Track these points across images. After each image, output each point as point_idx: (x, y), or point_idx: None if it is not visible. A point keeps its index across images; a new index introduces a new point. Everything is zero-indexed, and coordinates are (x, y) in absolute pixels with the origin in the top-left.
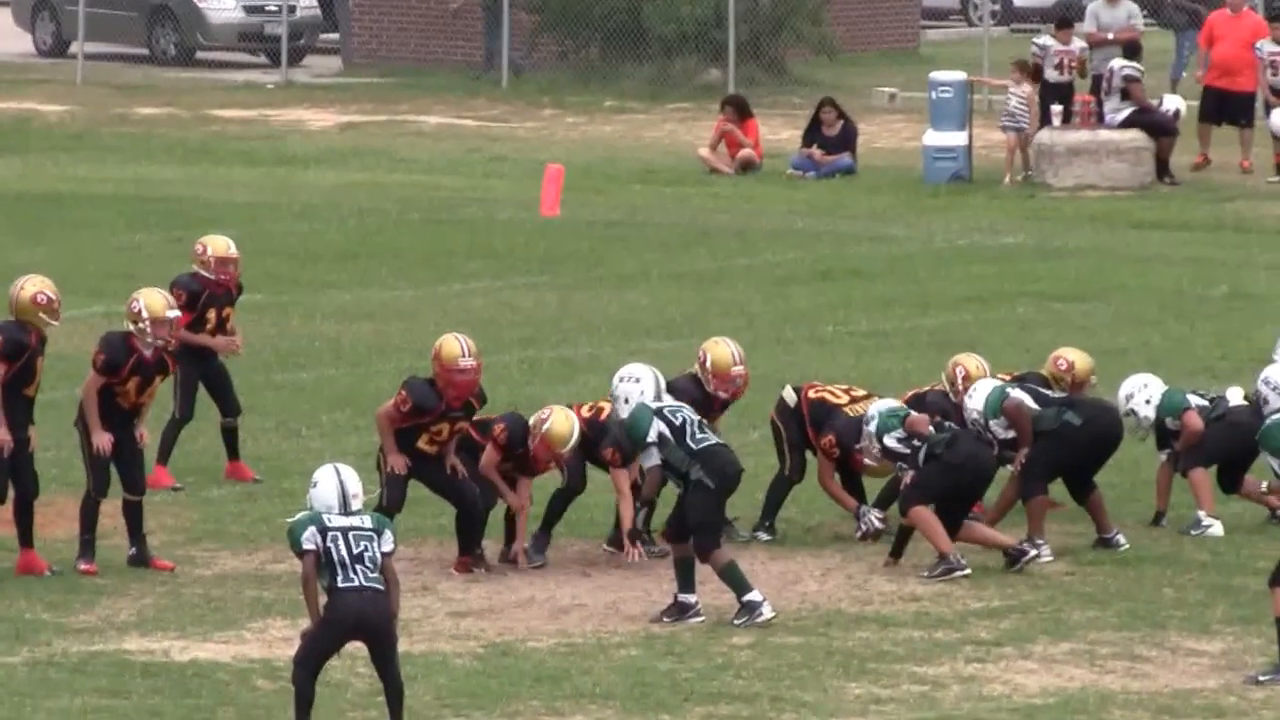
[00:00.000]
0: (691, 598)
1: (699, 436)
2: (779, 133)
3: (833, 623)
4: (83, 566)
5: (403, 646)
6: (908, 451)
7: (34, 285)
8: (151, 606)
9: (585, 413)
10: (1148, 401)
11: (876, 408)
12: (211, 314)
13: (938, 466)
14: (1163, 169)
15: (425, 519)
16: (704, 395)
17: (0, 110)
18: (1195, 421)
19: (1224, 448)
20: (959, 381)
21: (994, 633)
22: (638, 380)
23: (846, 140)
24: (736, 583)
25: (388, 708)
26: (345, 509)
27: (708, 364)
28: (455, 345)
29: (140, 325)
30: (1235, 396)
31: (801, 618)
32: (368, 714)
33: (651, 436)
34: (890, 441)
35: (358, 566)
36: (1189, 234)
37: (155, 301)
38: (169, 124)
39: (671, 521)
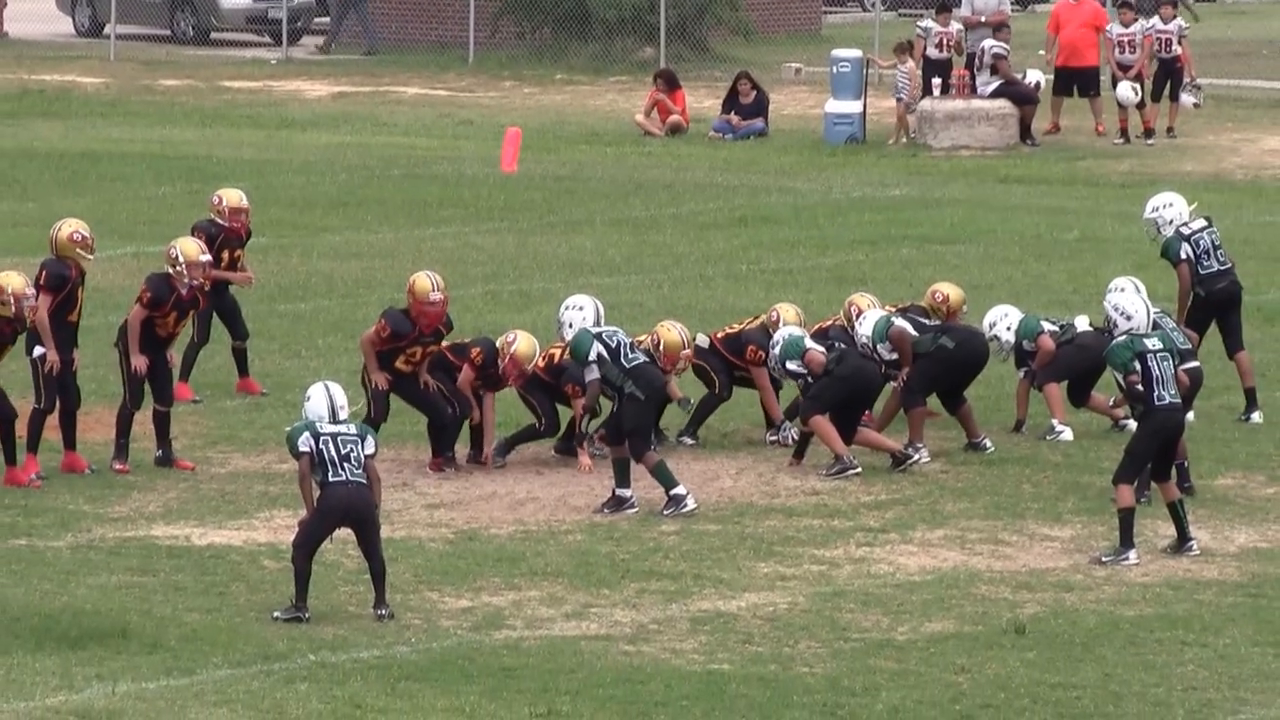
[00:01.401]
0: (627, 492)
1: (630, 356)
2: (703, 101)
3: (745, 513)
4: (117, 466)
5: (385, 533)
6: (804, 373)
7: (70, 225)
8: (175, 500)
9: (541, 362)
10: (1009, 328)
11: (783, 334)
12: (225, 254)
13: (830, 381)
14: (1025, 132)
15: (405, 426)
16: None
17: (46, 82)
18: (1048, 343)
19: (1073, 366)
20: (854, 316)
21: (880, 521)
22: (580, 308)
23: (759, 108)
24: (665, 479)
25: (373, 583)
26: (334, 418)
27: (660, 346)
28: (426, 281)
29: (178, 269)
30: (1083, 323)
31: (719, 509)
32: (356, 589)
33: (592, 356)
34: (792, 366)
35: (345, 465)
36: (1047, 187)
37: (190, 248)
38: (188, 93)
39: (609, 427)
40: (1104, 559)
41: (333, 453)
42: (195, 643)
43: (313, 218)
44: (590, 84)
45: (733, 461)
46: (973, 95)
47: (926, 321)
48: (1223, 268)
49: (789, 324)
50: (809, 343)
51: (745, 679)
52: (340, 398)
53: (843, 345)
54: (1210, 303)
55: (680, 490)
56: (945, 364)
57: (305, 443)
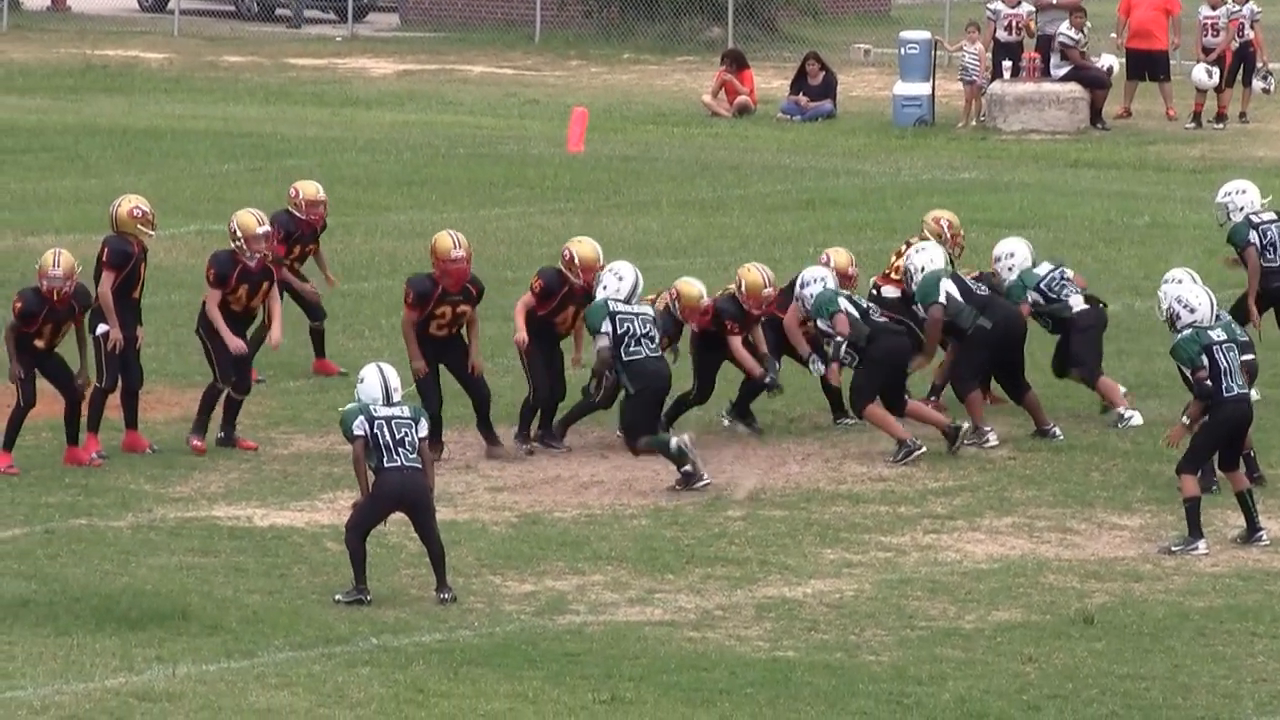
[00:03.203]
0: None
1: (633, 349)
2: (770, 82)
3: (812, 499)
4: (195, 442)
5: (448, 516)
6: (830, 333)
7: (130, 201)
8: (237, 480)
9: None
10: (1010, 269)
11: (818, 287)
12: (297, 248)
13: (868, 369)
14: (1096, 117)
15: (468, 408)
16: (741, 312)
17: (110, 57)
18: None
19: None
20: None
21: (948, 508)
22: (620, 277)
23: (828, 89)
24: (665, 454)
25: (432, 568)
26: (388, 400)
27: (743, 287)
28: (447, 239)
29: (238, 243)
30: (1078, 304)
31: (785, 494)
32: (418, 572)
33: (603, 329)
34: (821, 324)
35: (399, 449)
36: (1117, 172)
37: (247, 220)
38: (252, 70)
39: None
40: (1173, 549)
41: (387, 437)
42: (256, 625)
43: (377, 197)
44: (657, 64)
45: (799, 447)
46: (1044, 78)
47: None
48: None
49: (839, 268)
50: (843, 303)
51: (811, 667)
52: (394, 379)
53: (874, 315)
54: (1264, 296)
55: (689, 469)
56: (986, 344)
57: (360, 426)
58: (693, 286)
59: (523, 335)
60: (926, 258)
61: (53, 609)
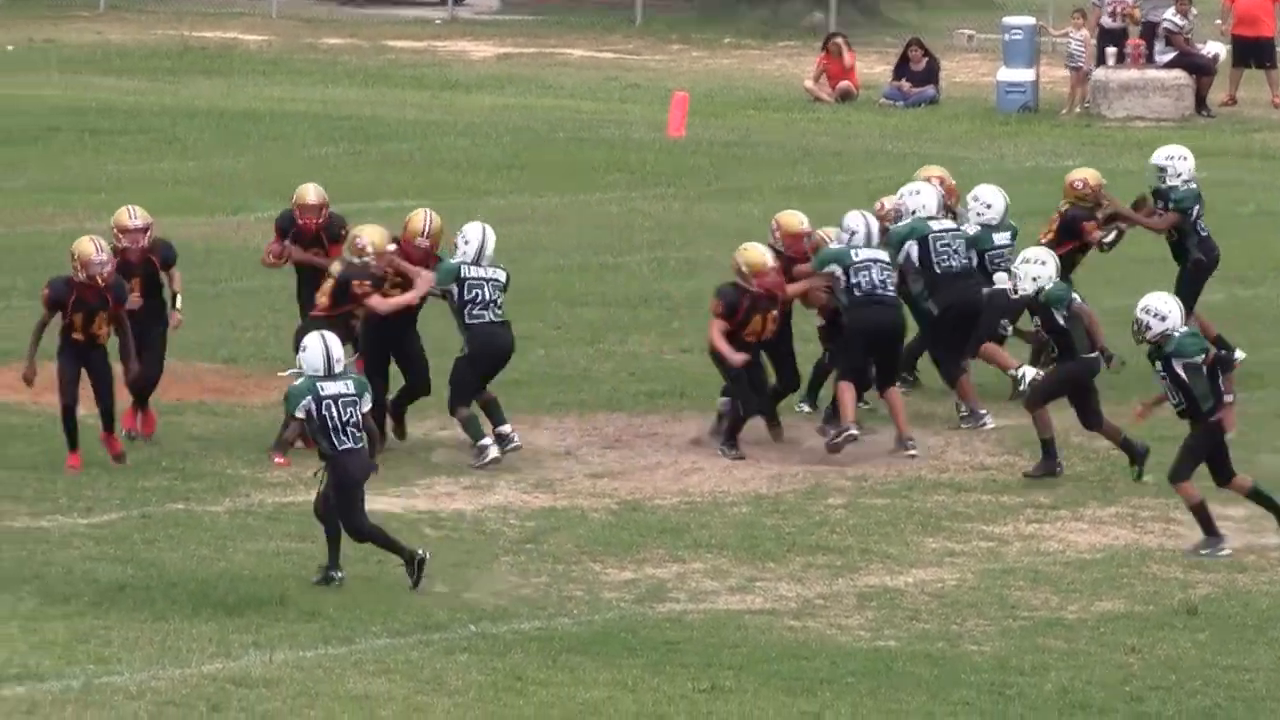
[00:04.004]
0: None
1: (476, 313)
2: (873, 68)
3: (913, 488)
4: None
5: (547, 502)
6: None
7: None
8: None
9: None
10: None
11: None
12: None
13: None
14: (1201, 104)
15: (568, 395)
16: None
17: (208, 39)
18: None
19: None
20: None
21: (1051, 497)
22: (466, 240)
23: (930, 75)
24: (474, 433)
25: (328, 542)
26: (330, 370)
27: (778, 232)
28: (419, 219)
29: (365, 258)
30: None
31: (887, 483)
32: (518, 559)
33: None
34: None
35: (349, 429)
36: (1222, 160)
37: (377, 237)
38: (351, 52)
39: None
40: (1201, 552)
41: (336, 419)
42: (354, 611)
43: (476, 180)
44: (759, 48)
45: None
46: (1148, 65)
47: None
48: None
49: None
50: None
51: (912, 656)
52: (337, 349)
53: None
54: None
55: (485, 441)
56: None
57: (304, 409)
58: (794, 215)
59: (737, 357)
60: (920, 202)
61: (149, 594)
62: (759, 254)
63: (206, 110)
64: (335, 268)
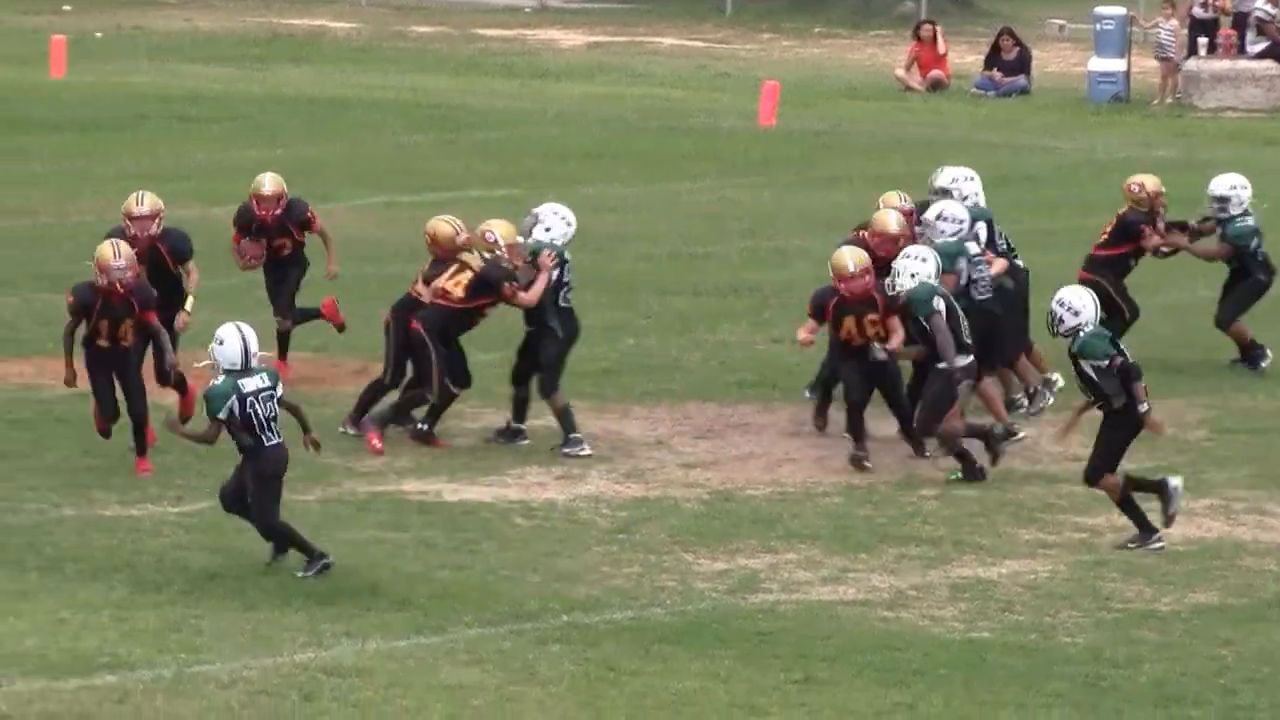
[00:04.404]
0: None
1: (567, 297)
2: (964, 57)
3: (1006, 479)
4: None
5: (639, 492)
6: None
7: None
8: (426, 454)
9: None
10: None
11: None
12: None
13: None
14: None
15: (658, 384)
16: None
17: (296, 26)
18: None
19: None
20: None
21: None
22: (568, 222)
23: (1022, 64)
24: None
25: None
26: (247, 364)
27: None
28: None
29: (497, 252)
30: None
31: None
32: (609, 549)
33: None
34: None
35: (272, 424)
36: None
37: (505, 229)
38: (441, 40)
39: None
40: (1130, 545)
41: (261, 416)
42: (446, 600)
43: (566, 169)
44: (849, 37)
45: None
46: (1239, 55)
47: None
48: None
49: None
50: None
51: (1005, 648)
52: (254, 341)
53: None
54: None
55: (579, 435)
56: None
57: (226, 411)
58: (888, 215)
59: (801, 334)
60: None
61: (241, 583)
62: (841, 258)
63: (294, 98)
64: (475, 261)
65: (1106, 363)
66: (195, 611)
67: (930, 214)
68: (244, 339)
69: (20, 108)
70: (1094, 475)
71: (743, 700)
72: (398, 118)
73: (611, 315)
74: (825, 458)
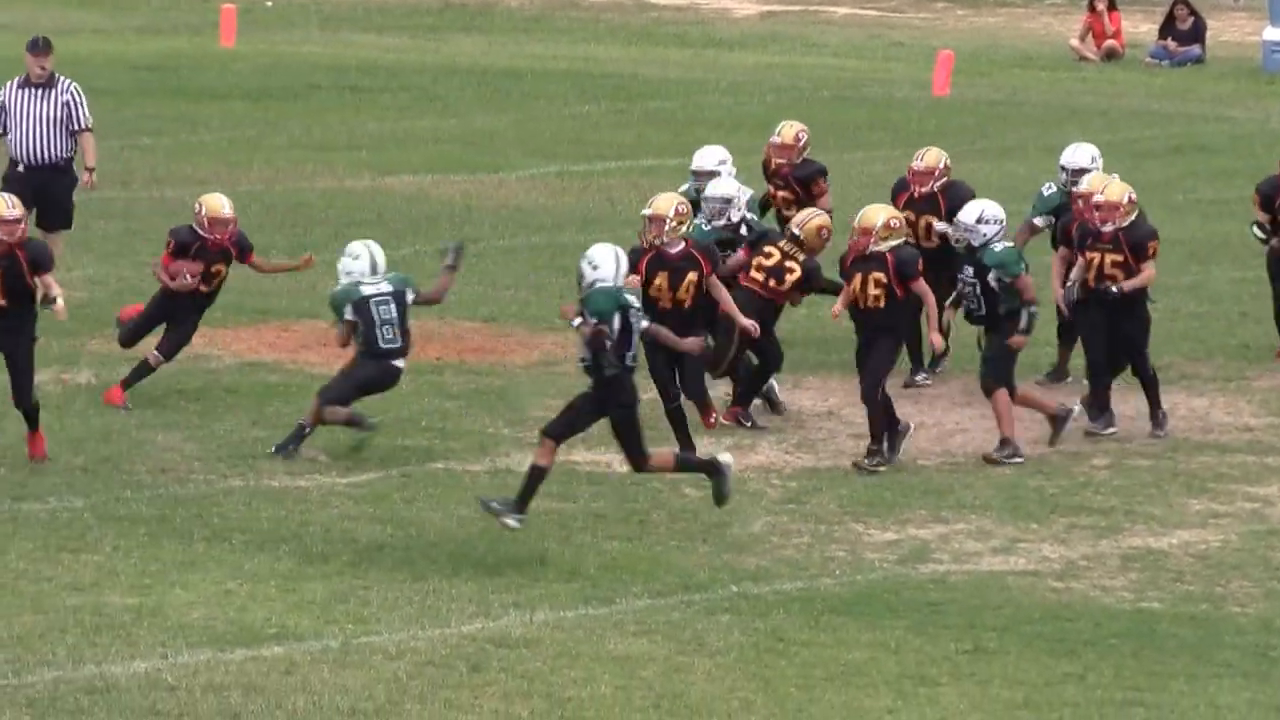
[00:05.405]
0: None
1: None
2: (1139, 26)
3: (1178, 449)
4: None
5: (809, 463)
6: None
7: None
8: (597, 426)
9: None
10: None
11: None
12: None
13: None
14: None
15: (830, 354)
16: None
17: None
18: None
19: None
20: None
21: None
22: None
23: (1196, 34)
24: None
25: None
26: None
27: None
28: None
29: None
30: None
31: (1151, 444)
32: (779, 519)
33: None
34: (991, 279)
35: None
36: None
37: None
38: (613, 10)
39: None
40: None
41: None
42: (614, 571)
43: (739, 139)
44: (1024, 6)
45: (1166, 397)
46: None
47: None
48: None
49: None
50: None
51: (1175, 618)
52: (380, 256)
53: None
54: None
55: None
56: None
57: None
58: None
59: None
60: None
61: (409, 554)
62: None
63: (467, 68)
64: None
65: (1014, 279)
66: (363, 582)
67: (969, 216)
68: (371, 253)
69: (190, 77)
70: (994, 385)
71: (912, 671)
72: (570, 87)
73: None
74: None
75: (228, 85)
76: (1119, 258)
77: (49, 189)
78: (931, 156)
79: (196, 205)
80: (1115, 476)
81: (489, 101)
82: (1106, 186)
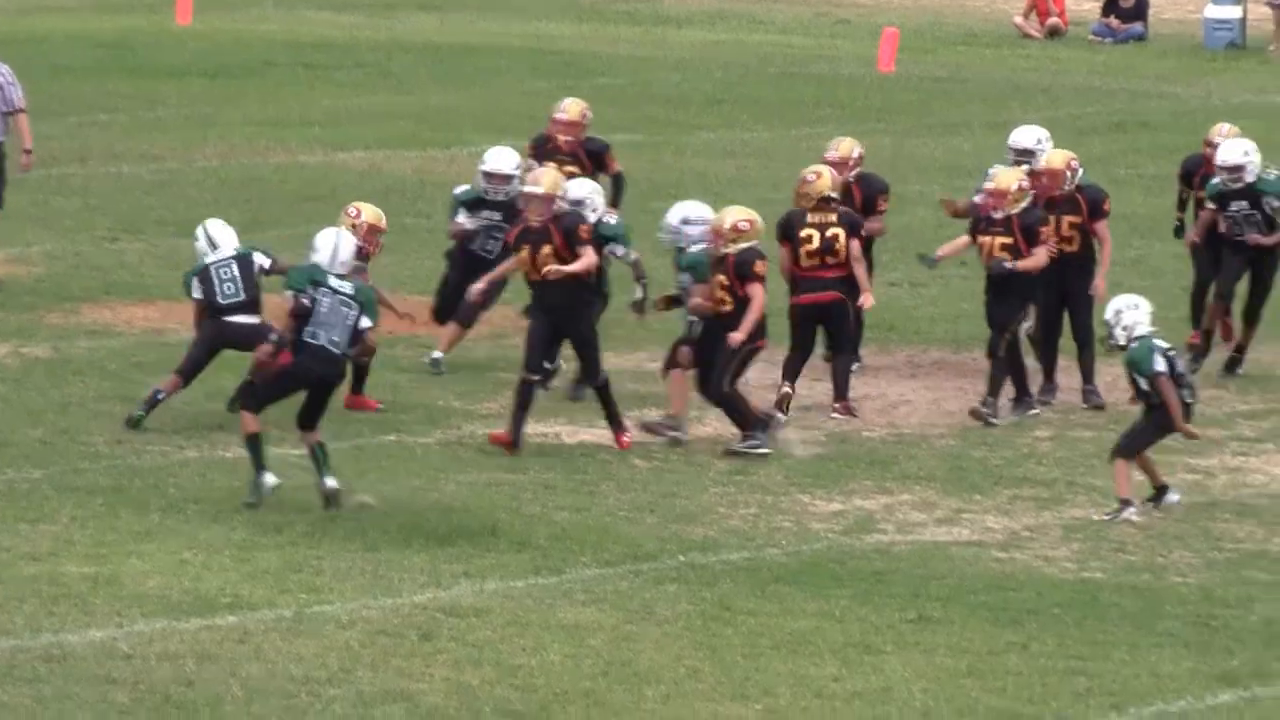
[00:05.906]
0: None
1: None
2: (1082, 4)
3: (1120, 421)
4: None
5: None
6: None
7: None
8: (545, 397)
9: None
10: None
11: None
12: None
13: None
14: None
15: (775, 327)
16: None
17: None
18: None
19: None
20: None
21: (1257, 431)
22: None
23: (1139, 11)
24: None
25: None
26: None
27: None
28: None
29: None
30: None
31: (1094, 416)
32: (726, 490)
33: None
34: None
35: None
36: None
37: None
38: None
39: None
40: (1105, 515)
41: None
42: (564, 541)
43: (687, 115)
44: None
45: (1110, 370)
46: None
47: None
48: None
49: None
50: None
51: (1118, 588)
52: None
53: None
54: None
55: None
56: None
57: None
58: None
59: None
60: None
61: (361, 524)
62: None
63: (421, 45)
64: None
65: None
66: (315, 552)
67: (674, 217)
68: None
69: (147, 54)
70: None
71: (857, 639)
72: (522, 64)
73: None
74: (940, 399)
75: (184, 62)
76: (1008, 240)
77: None
78: (845, 146)
79: (352, 210)
80: (1058, 448)
81: (442, 78)
82: (998, 174)
